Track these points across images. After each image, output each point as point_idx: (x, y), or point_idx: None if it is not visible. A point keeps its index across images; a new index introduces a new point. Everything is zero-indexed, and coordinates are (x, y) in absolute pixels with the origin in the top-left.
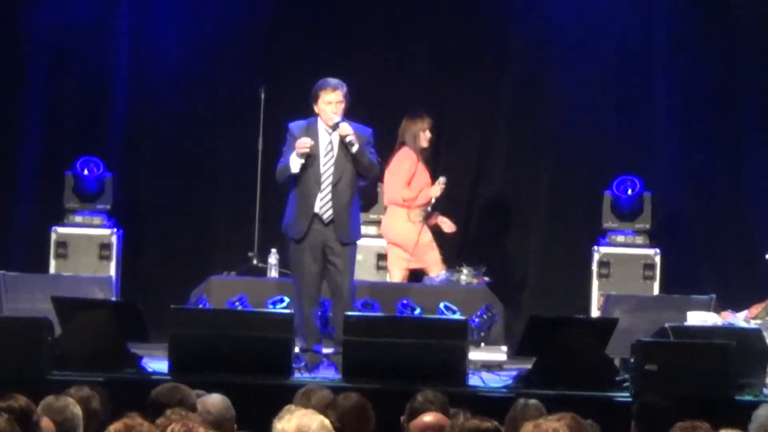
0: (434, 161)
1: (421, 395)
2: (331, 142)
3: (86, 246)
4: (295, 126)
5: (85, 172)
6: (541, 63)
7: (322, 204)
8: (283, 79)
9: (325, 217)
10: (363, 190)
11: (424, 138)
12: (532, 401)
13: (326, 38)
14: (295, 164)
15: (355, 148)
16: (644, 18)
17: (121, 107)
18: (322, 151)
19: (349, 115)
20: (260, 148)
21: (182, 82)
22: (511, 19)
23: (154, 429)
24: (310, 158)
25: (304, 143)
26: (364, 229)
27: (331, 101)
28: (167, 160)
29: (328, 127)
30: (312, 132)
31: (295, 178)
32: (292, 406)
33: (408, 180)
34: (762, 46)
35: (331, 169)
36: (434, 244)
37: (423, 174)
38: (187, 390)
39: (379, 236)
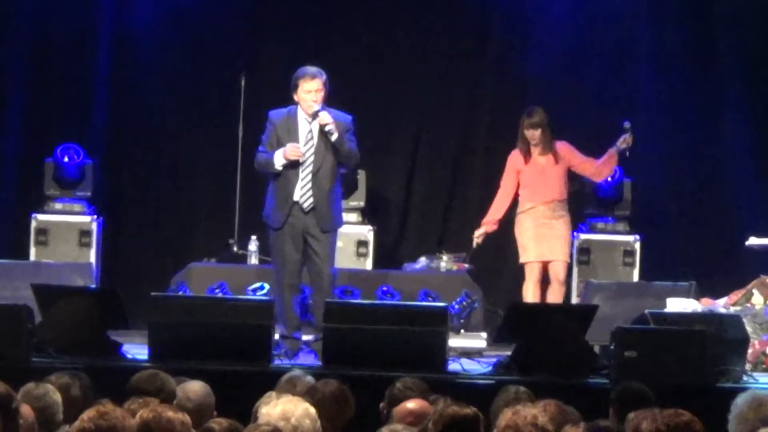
0: (414, 148)
1: (401, 382)
2: (311, 131)
3: (66, 233)
4: (275, 114)
5: (66, 159)
6: (521, 52)
7: (303, 192)
8: (264, 67)
9: (305, 205)
10: (344, 177)
11: (529, 135)
12: (522, 388)
13: (306, 26)
14: (279, 162)
15: (334, 137)
16: (625, 8)
17: (101, 95)
18: (302, 140)
19: (328, 103)
20: (240, 135)
21: (162, 70)
22: (494, 9)
23: (127, 415)
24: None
25: (296, 153)
26: (345, 216)
27: (310, 90)
28: (147, 148)
29: (308, 115)
30: (292, 120)
31: None
32: (274, 393)
33: (513, 180)
34: (744, 29)
35: (312, 158)
36: (559, 239)
37: (529, 170)
38: (167, 376)
39: (360, 223)
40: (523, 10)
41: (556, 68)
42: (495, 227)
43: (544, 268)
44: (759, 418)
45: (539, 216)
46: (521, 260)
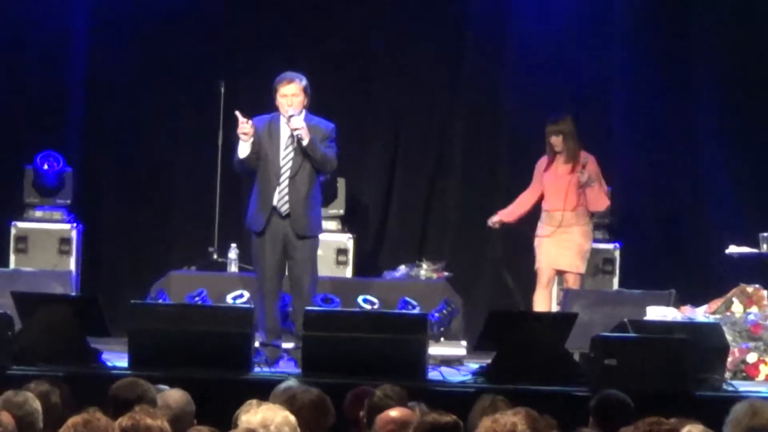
0: (393, 155)
1: (380, 390)
2: (291, 136)
3: (46, 241)
4: (257, 120)
5: (45, 166)
6: (498, 57)
7: (280, 197)
8: (243, 73)
9: (282, 210)
10: (324, 184)
11: (551, 141)
12: (499, 397)
13: (285, 34)
14: (242, 150)
15: (304, 142)
16: (604, 17)
17: (80, 102)
18: (282, 145)
19: (308, 109)
20: (220, 143)
21: (142, 77)
22: (469, 18)
23: (112, 423)
24: (271, 151)
25: (241, 128)
26: (324, 224)
27: (286, 94)
28: (127, 155)
29: (287, 119)
30: (274, 126)
31: (257, 171)
32: (254, 401)
33: (538, 183)
34: (718, 41)
35: (290, 163)
36: (569, 249)
37: (547, 177)
38: (147, 384)
39: (340, 231)
40: (497, 19)
41: (531, 78)
42: (510, 220)
43: (558, 276)
44: (753, 425)
45: (553, 223)
46: (535, 266)
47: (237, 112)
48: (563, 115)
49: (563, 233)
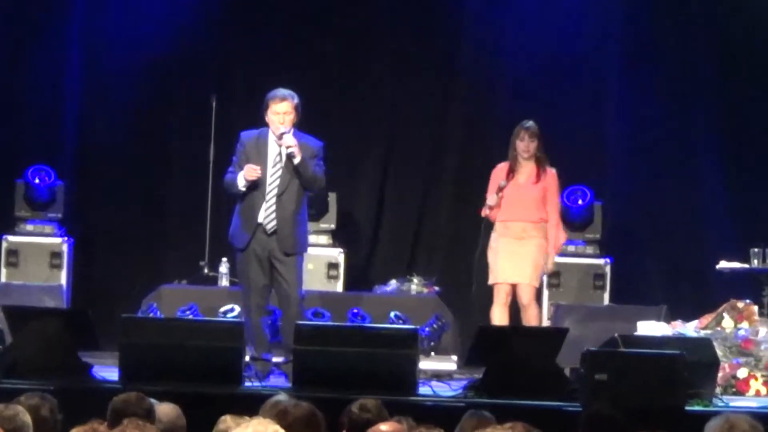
0: (385, 170)
1: (356, 405)
2: (280, 153)
3: (37, 254)
4: (246, 135)
5: (37, 180)
6: (493, 74)
7: (267, 214)
8: (235, 88)
9: (268, 227)
10: (315, 198)
11: (522, 147)
12: (484, 412)
13: (278, 50)
14: (241, 183)
15: (296, 160)
16: (598, 31)
17: (72, 116)
18: (270, 162)
19: (301, 128)
20: (211, 157)
21: (133, 91)
22: (464, 33)
23: None
24: (259, 168)
25: (252, 174)
26: (315, 238)
27: (278, 112)
28: (118, 169)
29: (276, 137)
30: (262, 142)
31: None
32: (228, 416)
33: (492, 189)
34: (715, 58)
35: (278, 181)
36: (527, 261)
37: (511, 187)
38: (149, 400)
39: (331, 245)
40: (492, 35)
41: (526, 94)
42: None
43: (514, 291)
44: None
45: (510, 235)
46: (489, 281)
47: (255, 169)
48: (532, 122)
49: (519, 246)
